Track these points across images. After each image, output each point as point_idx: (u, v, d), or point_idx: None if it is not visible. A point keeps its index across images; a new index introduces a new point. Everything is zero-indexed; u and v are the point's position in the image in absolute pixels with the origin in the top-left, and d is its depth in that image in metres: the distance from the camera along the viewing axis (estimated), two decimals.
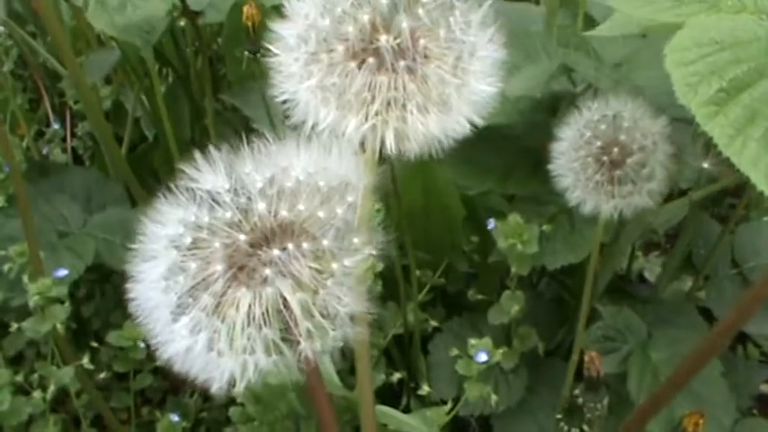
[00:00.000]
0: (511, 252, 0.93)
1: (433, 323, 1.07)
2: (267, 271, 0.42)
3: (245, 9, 0.94)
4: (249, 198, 0.44)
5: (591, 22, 1.13)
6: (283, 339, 0.43)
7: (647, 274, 1.45)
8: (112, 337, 1.05)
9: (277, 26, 0.49)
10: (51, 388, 0.97)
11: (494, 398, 0.99)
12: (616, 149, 0.71)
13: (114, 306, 1.28)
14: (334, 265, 0.43)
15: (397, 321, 1.05)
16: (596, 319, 1.03)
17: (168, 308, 0.44)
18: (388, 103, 0.47)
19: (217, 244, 0.43)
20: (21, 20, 1.34)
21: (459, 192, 1.00)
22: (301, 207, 0.44)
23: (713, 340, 0.72)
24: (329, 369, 0.96)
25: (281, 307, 0.43)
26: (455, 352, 0.97)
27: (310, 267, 0.43)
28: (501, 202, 1.02)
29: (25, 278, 0.96)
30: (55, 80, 1.53)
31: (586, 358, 0.78)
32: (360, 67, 0.47)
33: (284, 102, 0.48)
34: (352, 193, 0.46)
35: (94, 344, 1.12)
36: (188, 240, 0.44)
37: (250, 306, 0.43)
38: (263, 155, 0.45)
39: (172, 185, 0.46)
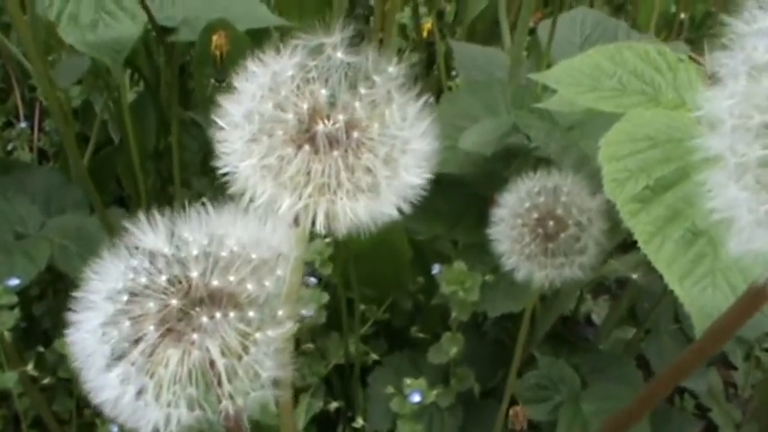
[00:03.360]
0: (453, 298, 0.96)
1: (374, 356, 1.09)
2: (195, 336, 0.46)
3: (214, 38, 0.96)
4: (185, 264, 0.47)
5: None
6: (208, 396, 0.47)
7: (594, 317, 1.48)
8: (59, 345, 1.06)
9: (225, 102, 0.52)
10: None
11: None
12: (552, 222, 0.74)
13: (67, 306, 1.29)
14: (258, 335, 0.47)
15: (339, 351, 1.07)
16: (534, 364, 1.06)
17: (102, 357, 0.47)
18: (321, 188, 0.50)
19: (151, 304, 0.47)
20: None
21: (407, 235, 1.02)
22: (232, 278, 0.47)
23: (647, 396, 0.74)
24: (271, 401, 0.98)
25: (207, 368, 0.47)
26: (391, 389, 0.99)
27: (236, 334, 0.46)
28: (448, 246, 1.05)
29: None
30: (27, 73, 1.54)
31: (511, 412, 0.80)
32: (296, 153, 0.50)
33: (225, 174, 0.52)
34: (282, 266, 0.49)
35: (41, 348, 1.13)
36: (124, 298, 0.47)
37: (177, 365, 0.46)
38: (203, 220, 0.49)
39: (116, 243, 0.49)
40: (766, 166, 0.37)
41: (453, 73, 1.19)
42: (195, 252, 0.47)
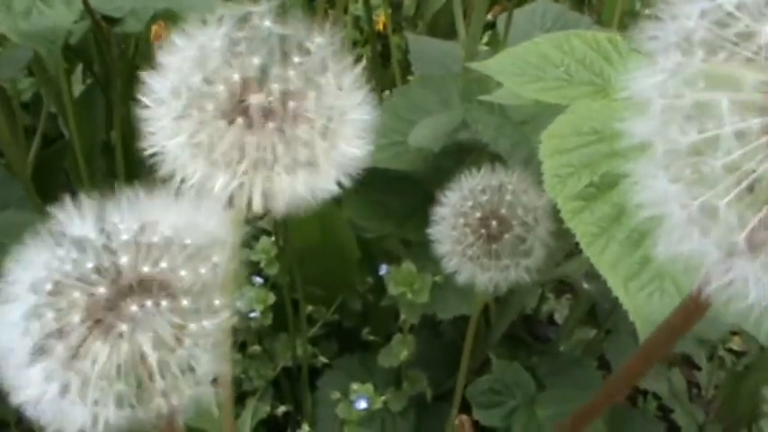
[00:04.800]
0: (401, 300, 0.92)
1: (323, 359, 1.06)
2: (124, 326, 0.42)
3: (155, 29, 0.92)
4: (113, 251, 0.44)
5: None
6: (139, 394, 0.43)
7: (556, 317, 1.45)
8: None
9: (149, 78, 0.48)
10: None
11: None
12: (495, 222, 0.70)
13: None
14: (193, 326, 0.43)
15: (287, 354, 1.04)
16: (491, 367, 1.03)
17: (24, 352, 0.44)
18: (256, 163, 0.47)
19: (76, 294, 0.43)
20: None
21: (356, 233, 0.99)
22: (164, 264, 0.44)
23: (601, 400, 0.71)
24: (209, 399, 0.95)
25: (138, 362, 0.43)
26: (337, 394, 0.96)
27: (169, 325, 0.43)
28: (397, 245, 1.01)
29: None
30: None
31: (456, 422, 0.77)
32: (228, 127, 0.47)
33: (153, 155, 0.48)
34: (218, 253, 0.46)
35: None
36: (48, 287, 0.43)
37: (105, 359, 0.43)
38: (134, 206, 0.45)
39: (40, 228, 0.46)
40: (700, 153, 0.33)
41: (413, 68, 1.16)
42: (125, 238, 0.44)
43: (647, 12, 0.37)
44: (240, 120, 0.46)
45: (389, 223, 0.97)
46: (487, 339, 1.08)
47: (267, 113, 0.47)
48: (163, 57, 0.48)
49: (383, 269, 0.94)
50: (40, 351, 0.43)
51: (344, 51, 0.49)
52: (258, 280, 1.01)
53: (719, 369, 1.39)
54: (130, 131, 1.22)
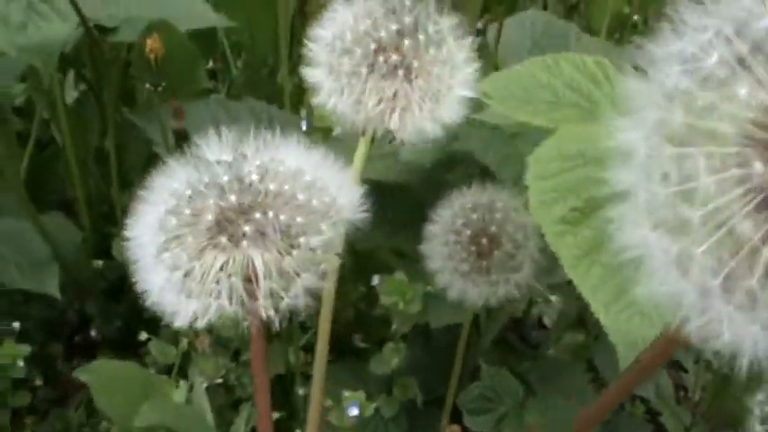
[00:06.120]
0: (393, 309, 0.94)
1: None
2: (246, 228, 0.50)
3: (149, 42, 0.93)
4: (247, 171, 0.52)
5: None
6: (248, 290, 0.51)
7: (546, 320, 1.46)
8: None
9: (316, 28, 0.65)
10: None
11: None
12: (485, 240, 0.72)
13: (6, 313, 1.26)
14: (302, 239, 0.51)
15: (280, 361, 1.05)
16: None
17: (156, 245, 0.52)
18: (395, 95, 0.63)
19: (210, 200, 0.51)
20: None
21: (348, 243, 1.00)
22: (286, 186, 0.52)
23: (596, 412, 0.72)
24: (203, 405, 0.96)
25: (250, 264, 0.51)
26: (329, 402, 0.97)
27: (282, 235, 0.51)
28: (389, 255, 1.02)
29: None
30: None
31: (448, 430, 0.78)
32: (384, 63, 0.64)
33: (311, 84, 0.66)
34: (330, 193, 0.55)
35: None
36: (188, 193, 0.52)
37: (225, 256, 0.50)
38: (265, 144, 0.54)
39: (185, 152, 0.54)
40: (680, 202, 0.35)
41: None
42: (257, 162, 0.52)
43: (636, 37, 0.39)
44: (394, 57, 0.63)
45: (381, 233, 0.99)
46: (478, 346, 1.10)
47: (415, 56, 0.64)
48: (328, 15, 0.65)
49: (375, 279, 0.95)
50: (172, 242, 0.51)
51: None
52: None
53: (706, 371, 1.40)
54: (124, 138, 1.23)
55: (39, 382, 1.16)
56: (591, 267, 0.55)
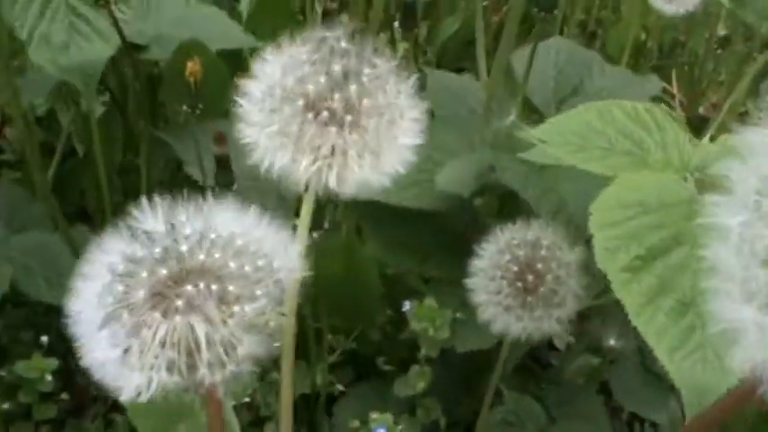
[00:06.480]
0: (423, 335, 0.96)
1: (340, 387, 1.09)
2: (179, 302, 0.51)
3: (189, 65, 0.94)
4: (177, 242, 0.53)
5: (530, 108, 1.15)
6: (188, 363, 0.51)
7: (556, 341, 1.48)
8: (21, 367, 1.05)
9: (245, 84, 0.61)
10: None
11: None
12: (531, 277, 0.74)
13: (25, 323, 1.27)
14: (236, 308, 0.51)
15: (306, 381, 1.07)
16: (500, 397, 1.06)
17: (96, 321, 0.52)
18: (334, 151, 0.59)
19: (144, 274, 0.51)
20: None
21: (379, 268, 1.02)
22: (218, 255, 0.52)
23: None
24: (232, 423, 0.97)
25: (188, 335, 0.51)
26: (356, 423, 0.99)
27: (217, 305, 0.51)
28: (417, 281, 1.04)
29: None
30: None
31: None
32: (314, 120, 0.59)
33: (245, 145, 0.61)
34: (265, 256, 0.54)
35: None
36: (121, 268, 0.52)
37: (162, 330, 0.51)
38: (201, 210, 0.54)
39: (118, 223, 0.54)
40: None
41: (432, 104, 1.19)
42: (188, 232, 0.53)
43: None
44: (325, 113, 0.58)
45: (410, 259, 1.00)
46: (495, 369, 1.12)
47: (347, 109, 0.59)
48: (257, 67, 0.61)
49: (406, 305, 0.97)
50: (109, 319, 0.52)
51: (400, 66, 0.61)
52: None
53: None
54: (152, 152, 1.24)
55: (65, 396, 1.16)
56: (655, 314, 0.57)
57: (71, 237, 1.14)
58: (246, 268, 0.52)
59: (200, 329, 0.50)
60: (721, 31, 1.57)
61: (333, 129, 0.58)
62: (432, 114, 1.23)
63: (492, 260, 0.76)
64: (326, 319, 1.01)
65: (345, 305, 1.03)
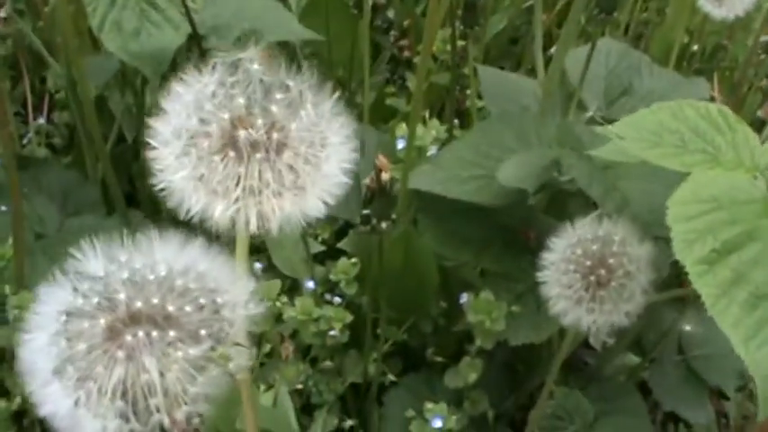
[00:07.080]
0: (479, 327, 0.97)
1: (391, 377, 1.10)
2: (119, 353, 0.50)
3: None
4: (115, 289, 0.51)
5: (584, 109, 1.17)
6: (137, 410, 0.51)
7: (591, 340, 1.49)
8: None
9: (154, 123, 0.56)
10: None
11: None
12: (603, 271, 0.76)
13: None
14: (179, 353, 0.51)
15: (357, 370, 1.09)
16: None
17: (44, 374, 0.52)
18: (249, 190, 0.54)
19: (84, 324, 0.51)
20: None
21: (436, 261, 1.04)
22: (155, 300, 0.51)
23: None
24: (288, 409, 0.99)
25: (135, 384, 0.51)
26: (410, 411, 1.01)
27: (156, 352, 0.51)
28: (473, 273, 1.06)
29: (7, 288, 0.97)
30: (39, 64, 1.52)
31: None
32: (222, 160, 0.54)
33: (162, 189, 0.56)
34: (209, 293, 0.53)
35: None
36: (63, 318, 0.52)
37: (105, 381, 0.51)
38: (142, 246, 0.53)
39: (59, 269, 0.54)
40: None
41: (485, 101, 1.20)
42: (125, 276, 0.51)
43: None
44: (232, 153, 0.53)
45: (467, 252, 1.02)
46: (549, 366, 1.13)
47: (255, 145, 0.53)
48: (166, 103, 0.55)
49: (463, 297, 0.99)
50: (56, 372, 0.52)
51: (321, 85, 0.55)
52: (336, 299, 1.06)
53: (749, 401, 1.43)
54: None
55: None
56: (729, 305, 0.59)
57: (129, 220, 1.15)
58: (187, 308, 0.51)
59: (143, 378, 0.50)
60: (763, 37, 1.58)
61: (242, 169, 0.53)
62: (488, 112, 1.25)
63: (564, 254, 0.77)
64: (385, 310, 1.03)
65: (401, 296, 1.05)
